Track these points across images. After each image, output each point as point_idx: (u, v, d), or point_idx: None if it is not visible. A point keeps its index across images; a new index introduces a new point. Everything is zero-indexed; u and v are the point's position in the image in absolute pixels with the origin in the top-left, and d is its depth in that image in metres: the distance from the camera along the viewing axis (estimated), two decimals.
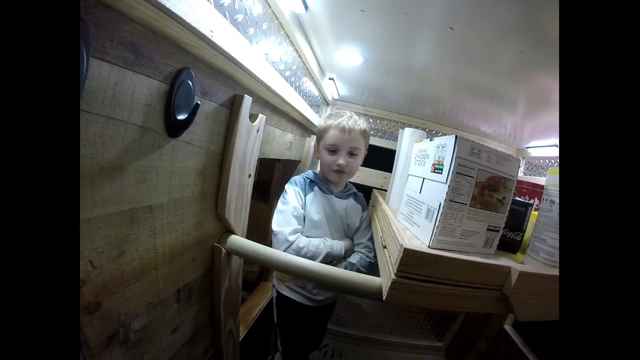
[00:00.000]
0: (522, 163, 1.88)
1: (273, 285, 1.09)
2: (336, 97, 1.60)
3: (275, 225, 0.89)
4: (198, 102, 0.53)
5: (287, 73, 0.90)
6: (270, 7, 0.70)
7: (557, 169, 0.63)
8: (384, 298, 0.54)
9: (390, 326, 1.81)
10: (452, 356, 1.74)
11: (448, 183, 0.59)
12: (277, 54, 0.81)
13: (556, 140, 1.44)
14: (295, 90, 1.00)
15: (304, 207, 0.97)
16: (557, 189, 0.61)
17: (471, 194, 0.60)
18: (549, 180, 0.65)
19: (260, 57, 0.63)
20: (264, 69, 0.65)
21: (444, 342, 1.82)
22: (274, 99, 0.80)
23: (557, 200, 0.61)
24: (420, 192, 0.69)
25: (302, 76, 1.08)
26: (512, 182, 0.64)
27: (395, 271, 0.51)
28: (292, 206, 0.94)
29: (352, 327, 1.74)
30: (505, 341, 1.41)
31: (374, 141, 1.71)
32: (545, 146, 1.56)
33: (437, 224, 0.59)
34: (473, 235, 0.63)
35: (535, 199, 0.93)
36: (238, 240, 0.67)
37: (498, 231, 0.65)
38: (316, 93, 1.35)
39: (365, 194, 1.21)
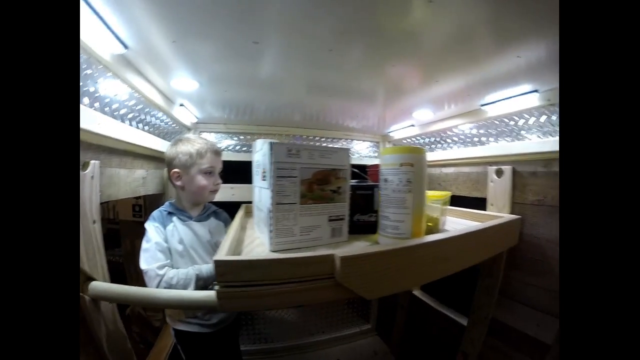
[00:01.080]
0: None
1: (167, 324, 1.09)
2: (195, 120, 1.61)
3: (143, 265, 0.89)
4: None
5: (123, 111, 0.91)
6: (89, 54, 0.71)
7: (389, 149, 0.66)
8: (218, 309, 0.55)
9: (317, 326, 1.81)
10: (382, 333, 1.81)
11: (271, 188, 0.61)
12: (108, 96, 0.82)
13: (412, 121, 1.53)
14: (138, 125, 1.02)
15: (166, 240, 0.97)
16: (389, 168, 0.64)
17: (298, 193, 0.62)
18: (382, 160, 0.67)
19: (80, 108, 0.65)
20: (86, 117, 0.67)
21: (371, 323, 1.89)
22: (108, 141, 0.81)
23: (390, 178, 0.63)
24: (260, 201, 0.71)
25: (146, 110, 1.09)
26: (345, 171, 0.67)
27: (217, 282, 0.52)
28: (155, 242, 0.93)
29: (279, 339, 1.73)
30: (418, 305, 1.49)
31: (244, 157, 1.71)
32: (403, 128, 1.67)
33: (272, 228, 0.61)
34: (315, 229, 0.65)
35: None
36: (100, 285, 0.66)
37: (343, 219, 0.68)
38: (170, 122, 1.36)
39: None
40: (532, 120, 1.01)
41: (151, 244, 0.92)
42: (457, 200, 1.21)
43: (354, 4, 0.63)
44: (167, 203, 1.08)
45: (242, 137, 1.78)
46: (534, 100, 0.97)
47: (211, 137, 1.73)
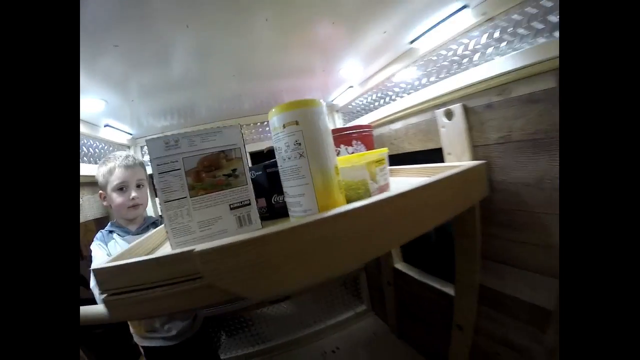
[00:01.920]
0: (339, 116, 1.89)
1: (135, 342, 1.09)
2: (129, 137, 1.58)
3: (91, 283, 0.88)
4: None
5: None
6: None
7: (271, 111, 0.55)
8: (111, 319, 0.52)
9: (312, 316, 1.74)
10: (379, 312, 1.71)
11: (157, 186, 0.55)
12: None
13: (351, 82, 1.45)
14: None
15: (109, 254, 0.97)
16: (275, 133, 0.55)
17: (186, 186, 0.56)
18: (271, 124, 0.56)
19: None
20: None
21: (365, 304, 1.80)
22: None
23: (277, 145, 0.55)
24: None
25: None
26: (237, 150, 0.60)
27: (101, 291, 0.49)
28: (99, 260, 0.94)
29: (276, 336, 1.68)
30: (403, 279, 1.39)
31: None
32: (343, 92, 1.58)
33: (167, 229, 0.56)
34: (217, 222, 0.59)
35: (359, 142, 0.89)
36: None
37: (248, 204, 0.61)
38: (101, 145, 1.35)
39: None
40: (472, 43, 0.87)
41: (95, 262, 0.93)
42: (413, 157, 1.10)
43: None
44: (109, 223, 1.11)
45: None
46: (468, 18, 0.84)
47: None
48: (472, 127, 0.87)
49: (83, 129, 1.16)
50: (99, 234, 1.05)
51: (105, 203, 1.09)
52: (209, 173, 0.58)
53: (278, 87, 1.31)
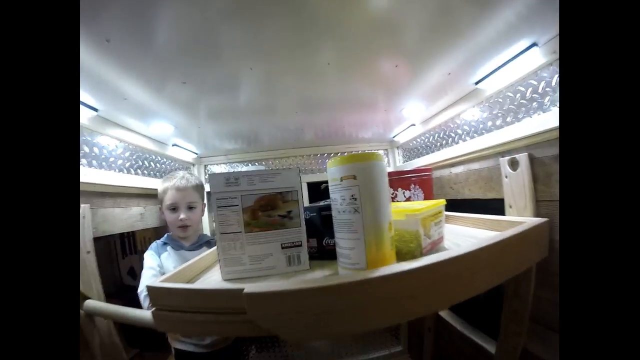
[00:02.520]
0: (399, 152, 1.86)
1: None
2: (195, 156, 1.68)
3: (139, 288, 0.96)
4: None
5: (111, 159, 1.04)
6: None
7: (330, 161, 0.55)
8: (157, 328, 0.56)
9: (346, 348, 1.67)
10: (415, 356, 1.59)
11: (215, 217, 0.59)
12: (94, 151, 0.97)
13: (413, 120, 1.42)
14: (130, 170, 1.14)
15: (160, 265, 1.04)
16: (331, 184, 0.55)
17: (242, 221, 0.59)
18: (329, 174, 0.56)
19: None
20: None
21: (402, 345, 1.68)
22: (96, 187, 0.93)
23: (333, 196, 0.55)
24: None
25: (137, 154, 1.20)
26: (293, 192, 0.62)
27: (152, 304, 0.54)
28: (149, 267, 1.03)
29: None
30: (445, 328, 1.29)
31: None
32: (404, 129, 1.56)
33: (219, 257, 0.60)
34: (267, 258, 0.61)
35: (417, 186, 0.87)
36: (93, 303, 0.77)
37: (300, 245, 0.63)
38: (168, 162, 1.45)
39: None
40: (541, 85, 0.81)
41: (147, 270, 1.03)
42: (471, 203, 1.04)
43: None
44: (165, 235, 1.18)
45: (246, 165, 1.85)
46: (537, 57, 0.79)
47: (219, 169, 1.84)
48: (537, 180, 0.81)
49: (152, 146, 1.26)
50: (153, 245, 1.13)
51: (162, 217, 1.18)
52: (264, 212, 0.60)
53: (340, 120, 1.34)
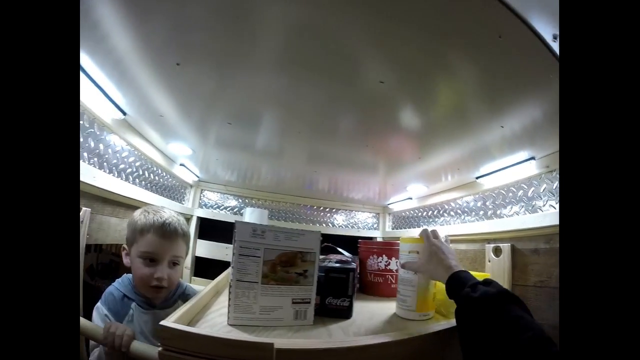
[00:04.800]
0: (389, 219, 2.01)
1: None
2: (196, 179, 1.70)
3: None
4: None
5: (122, 166, 1.02)
6: (92, 116, 0.83)
7: (404, 238, 0.81)
8: None
9: None
10: None
11: (232, 264, 0.61)
12: (108, 152, 0.94)
13: (409, 194, 1.55)
14: (135, 181, 1.11)
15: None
16: (402, 253, 0.79)
17: (260, 273, 0.61)
18: (400, 247, 0.81)
19: None
20: (83, 171, 0.76)
21: None
22: (103, 192, 0.90)
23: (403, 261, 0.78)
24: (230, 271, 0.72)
25: (146, 166, 1.18)
26: (312, 254, 0.65)
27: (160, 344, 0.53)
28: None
29: None
30: None
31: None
32: (401, 200, 1.70)
33: (230, 303, 0.61)
34: (277, 310, 0.64)
35: (384, 256, 0.96)
36: None
37: (309, 302, 0.65)
38: (170, 179, 1.45)
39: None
40: (531, 190, 0.95)
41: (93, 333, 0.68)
42: None
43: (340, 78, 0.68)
44: (125, 279, 0.83)
45: (242, 200, 1.89)
46: (532, 169, 0.92)
47: (213, 196, 1.85)
48: (515, 266, 0.93)
49: (161, 161, 1.26)
50: (109, 296, 0.79)
51: (126, 260, 0.83)
52: (283, 267, 0.63)
53: (340, 178, 1.42)
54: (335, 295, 0.71)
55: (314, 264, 0.65)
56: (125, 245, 0.83)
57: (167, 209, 0.87)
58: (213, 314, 0.69)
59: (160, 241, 0.79)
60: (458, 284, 0.61)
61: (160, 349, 0.52)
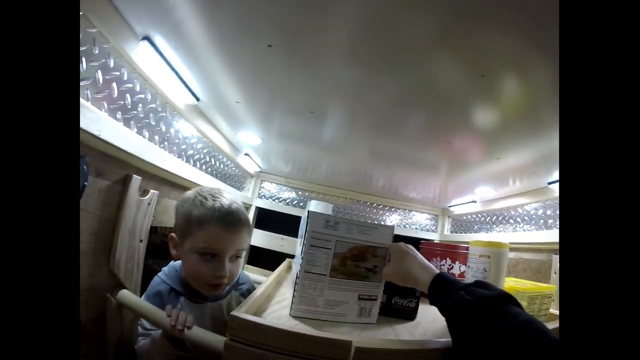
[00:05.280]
0: (449, 221, 1.91)
1: None
2: (258, 169, 1.70)
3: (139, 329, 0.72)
4: (85, 183, 0.62)
5: (190, 152, 1.02)
6: (165, 99, 0.83)
7: (475, 242, 0.77)
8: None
9: None
10: None
11: (302, 255, 0.59)
12: (178, 137, 0.94)
13: (474, 197, 1.45)
14: (202, 167, 1.11)
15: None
16: (472, 257, 0.76)
17: (329, 265, 0.59)
18: (470, 250, 0.79)
19: (149, 145, 0.76)
20: (154, 154, 0.76)
21: None
22: (172, 176, 0.90)
23: (472, 265, 0.76)
24: (296, 261, 0.70)
25: (212, 153, 1.18)
26: (384, 250, 0.62)
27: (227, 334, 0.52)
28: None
29: None
30: None
31: (301, 212, 1.73)
32: (464, 203, 1.60)
33: (295, 294, 0.60)
34: (342, 305, 0.61)
35: (448, 259, 0.92)
36: (127, 294, 0.72)
37: (375, 300, 0.63)
38: (233, 167, 1.44)
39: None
40: None
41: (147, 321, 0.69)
42: None
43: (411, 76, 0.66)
44: (172, 269, 0.76)
45: (300, 193, 1.89)
46: None
47: (271, 187, 1.85)
48: None
49: (227, 148, 1.26)
50: (152, 290, 0.73)
51: (174, 252, 0.72)
52: (354, 262, 0.60)
53: (393, 174, 1.37)
54: (402, 295, 0.67)
55: (384, 259, 0.62)
56: (174, 235, 0.71)
57: (226, 192, 0.75)
58: (276, 306, 0.67)
59: (224, 234, 0.67)
60: (447, 286, 0.52)
61: (226, 338, 0.50)
